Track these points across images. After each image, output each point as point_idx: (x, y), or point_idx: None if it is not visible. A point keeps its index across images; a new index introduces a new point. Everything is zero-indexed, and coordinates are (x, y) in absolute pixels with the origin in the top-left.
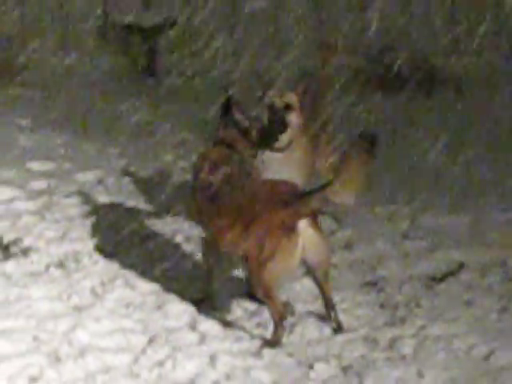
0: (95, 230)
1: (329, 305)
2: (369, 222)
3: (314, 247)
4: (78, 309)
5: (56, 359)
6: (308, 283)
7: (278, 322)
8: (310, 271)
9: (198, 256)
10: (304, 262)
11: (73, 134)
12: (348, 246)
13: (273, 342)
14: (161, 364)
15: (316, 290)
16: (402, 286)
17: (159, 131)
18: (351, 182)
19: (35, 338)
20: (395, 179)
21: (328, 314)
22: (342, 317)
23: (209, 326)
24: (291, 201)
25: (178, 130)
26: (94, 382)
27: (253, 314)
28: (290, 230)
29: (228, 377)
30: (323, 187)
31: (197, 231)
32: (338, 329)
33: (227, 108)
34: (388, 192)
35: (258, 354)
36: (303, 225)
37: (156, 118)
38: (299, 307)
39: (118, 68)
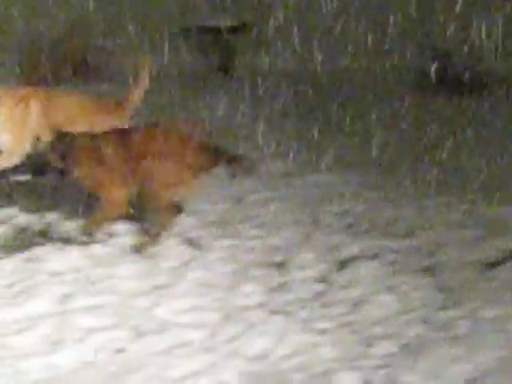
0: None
1: None
2: (428, 212)
3: None
4: (159, 288)
5: (138, 334)
6: (372, 271)
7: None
8: None
9: (271, 240)
10: None
11: None
12: (409, 233)
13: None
14: (234, 340)
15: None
16: (457, 270)
17: (233, 124)
18: None
19: (120, 314)
20: (453, 174)
21: None
22: (401, 298)
23: (278, 305)
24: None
25: (250, 123)
26: (172, 356)
27: (320, 295)
28: None
29: (296, 352)
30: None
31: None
32: None
33: None
34: (446, 185)
35: (322, 332)
36: None
37: (231, 112)
38: (362, 289)
39: (196, 67)
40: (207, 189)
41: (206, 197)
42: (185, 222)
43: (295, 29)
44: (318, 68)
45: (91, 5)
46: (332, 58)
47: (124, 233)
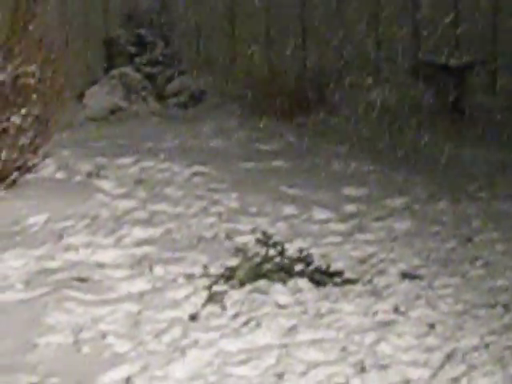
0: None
1: None
2: None
3: None
4: (383, 324)
5: (361, 369)
6: None
7: None
8: None
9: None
10: None
11: (381, 162)
12: None
13: None
14: (456, 381)
15: None
16: None
17: (462, 164)
18: None
19: (343, 349)
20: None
21: None
22: None
23: (501, 347)
24: None
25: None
26: None
27: None
28: None
29: None
30: None
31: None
32: None
33: None
34: None
35: None
36: None
37: (461, 151)
38: None
39: (425, 103)
40: (434, 227)
41: (433, 235)
42: (408, 259)
43: None
44: None
45: None
46: None
47: (346, 269)
